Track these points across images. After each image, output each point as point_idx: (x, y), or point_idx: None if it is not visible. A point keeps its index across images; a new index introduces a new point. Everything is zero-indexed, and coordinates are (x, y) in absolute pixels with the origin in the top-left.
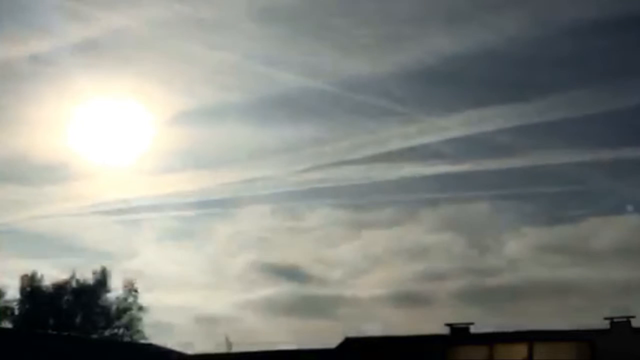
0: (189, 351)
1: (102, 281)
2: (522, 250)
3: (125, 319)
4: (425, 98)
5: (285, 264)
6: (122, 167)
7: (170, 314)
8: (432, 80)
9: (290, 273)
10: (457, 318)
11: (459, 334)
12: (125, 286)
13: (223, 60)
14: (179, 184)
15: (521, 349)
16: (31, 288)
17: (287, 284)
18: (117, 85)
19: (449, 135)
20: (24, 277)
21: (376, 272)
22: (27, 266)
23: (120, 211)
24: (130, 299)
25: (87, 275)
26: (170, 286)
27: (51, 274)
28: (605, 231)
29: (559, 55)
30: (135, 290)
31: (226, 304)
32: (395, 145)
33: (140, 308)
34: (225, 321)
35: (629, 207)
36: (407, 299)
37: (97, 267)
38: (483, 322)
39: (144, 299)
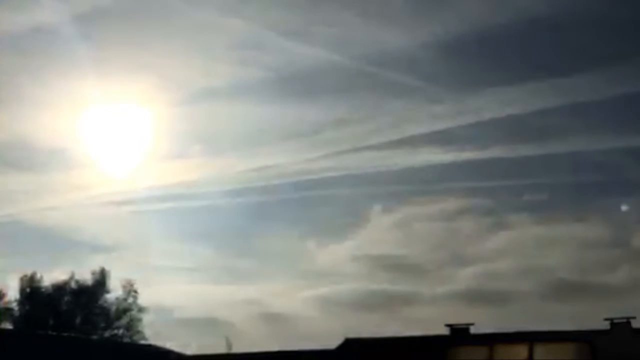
0: (188, 351)
1: (101, 282)
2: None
3: (125, 320)
4: (458, 74)
5: None
6: (133, 151)
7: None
8: (467, 53)
9: None
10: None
11: (459, 334)
12: (124, 287)
13: (241, 32)
14: (191, 172)
15: (521, 350)
16: (31, 289)
17: None
18: (129, 58)
19: (480, 117)
20: (24, 278)
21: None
22: (31, 261)
23: (131, 201)
24: (130, 300)
25: (86, 276)
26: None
27: (55, 270)
28: None
29: (613, 23)
30: (135, 291)
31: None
32: (421, 128)
33: (140, 309)
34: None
35: (623, 207)
36: None
37: (98, 267)
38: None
39: (157, 297)
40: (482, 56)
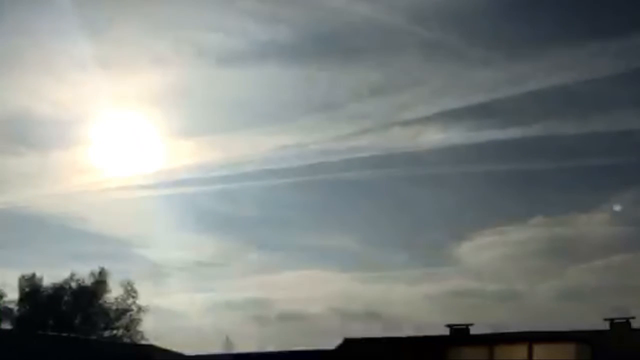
0: (187, 351)
1: (101, 282)
2: None
3: (124, 320)
4: (512, 34)
5: None
6: (144, 127)
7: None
8: (517, 11)
9: None
10: None
11: (459, 334)
12: (124, 287)
13: None
14: (204, 152)
15: (521, 350)
16: (30, 289)
17: None
18: (143, 19)
19: (526, 87)
20: (23, 278)
21: None
22: (31, 256)
23: (143, 187)
24: (130, 300)
25: (87, 274)
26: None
27: (56, 266)
28: None
29: None
30: (134, 291)
31: None
32: (460, 100)
33: (140, 309)
34: None
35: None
36: None
37: (98, 267)
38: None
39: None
40: (533, 14)
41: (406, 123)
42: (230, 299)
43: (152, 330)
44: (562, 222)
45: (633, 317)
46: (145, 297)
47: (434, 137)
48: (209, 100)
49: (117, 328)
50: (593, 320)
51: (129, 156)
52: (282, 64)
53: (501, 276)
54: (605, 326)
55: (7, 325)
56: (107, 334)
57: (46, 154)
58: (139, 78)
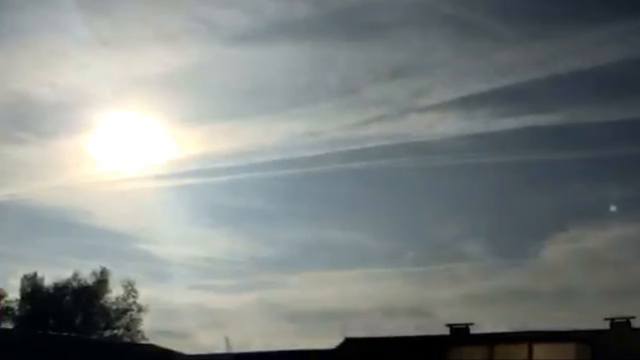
0: (187, 351)
1: (102, 281)
2: None
3: (125, 320)
4: (533, 11)
5: None
6: (155, 114)
7: None
8: None
9: None
10: None
11: (459, 334)
12: (124, 286)
13: None
14: (216, 140)
15: (521, 350)
16: (32, 289)
17: None
18: None
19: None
20: (25, 278)
21: None
22: (34, 251)
23: (150, 178)
24: (130, 300)
25: (89, 273)
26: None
27: (61, 263)
28: None
29: None
30: (135, 291)
31: None
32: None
33: (140, 309)
34: None
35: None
36: None
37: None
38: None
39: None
40: None
41: (424, 109)
42: (234, 298)
43: (152, 330)
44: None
45: (633, 317)
46: (148, 294)
47: (453, 124)
48: (219, 84)
49: (118, 328)
50: None
51: (135, 145)
52: (298, 44)
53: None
54: (606, 326)
55: (8, 325)
56: (107, 333)
57: (49, 142)
58: (147, 59)
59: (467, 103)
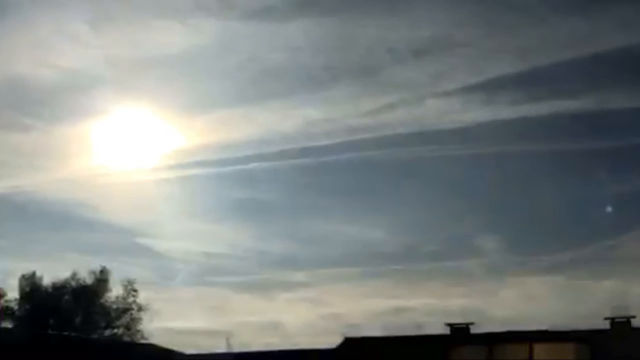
0: (187, 351)
1: (102, 281)
2: None
3: (125, 319)
4: None
5: None
6: (158, 99)
7: None
8: None
9: None
10: None
11: (459, 334)
12: (124, 286)
13: None
14: (222, 129)
15: (521, 349)
16: (31, 288)
17: None
18: None
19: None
20: (23, 277)
21: None
22: (35, 248)
23: (156, 169)
24: (130, 299)
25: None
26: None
27: (62, 261)
28: None
29: None
30: (135, 290)
31: None
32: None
33: (140, 308)
34: None
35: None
36: None
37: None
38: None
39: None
40: None
41: (446, 94)
42: (238, 295)
43: (152, 329)
44: None
45: (633, 317)
46: (151, 293)
47: (477, 110)
48: (231, 66)
49: (118, 327)
50: None
51: (141, 134)
52: (315, 20)
53: None
54: (606, 325)
55: (7, 324)
56: (107, 333)
57: (52, 128)
58: (155, 37)
59: (490, 87)
